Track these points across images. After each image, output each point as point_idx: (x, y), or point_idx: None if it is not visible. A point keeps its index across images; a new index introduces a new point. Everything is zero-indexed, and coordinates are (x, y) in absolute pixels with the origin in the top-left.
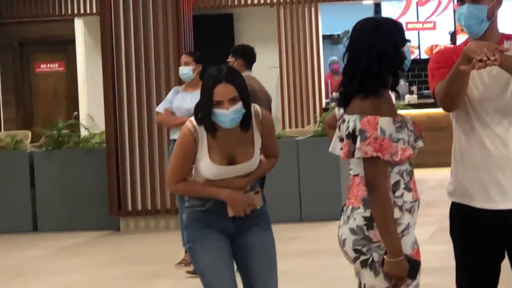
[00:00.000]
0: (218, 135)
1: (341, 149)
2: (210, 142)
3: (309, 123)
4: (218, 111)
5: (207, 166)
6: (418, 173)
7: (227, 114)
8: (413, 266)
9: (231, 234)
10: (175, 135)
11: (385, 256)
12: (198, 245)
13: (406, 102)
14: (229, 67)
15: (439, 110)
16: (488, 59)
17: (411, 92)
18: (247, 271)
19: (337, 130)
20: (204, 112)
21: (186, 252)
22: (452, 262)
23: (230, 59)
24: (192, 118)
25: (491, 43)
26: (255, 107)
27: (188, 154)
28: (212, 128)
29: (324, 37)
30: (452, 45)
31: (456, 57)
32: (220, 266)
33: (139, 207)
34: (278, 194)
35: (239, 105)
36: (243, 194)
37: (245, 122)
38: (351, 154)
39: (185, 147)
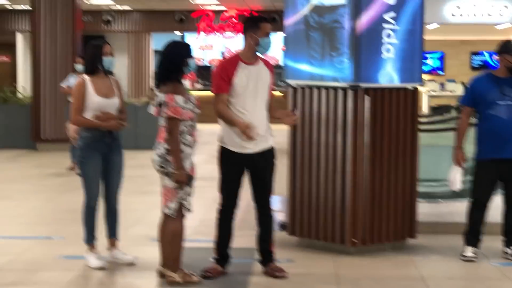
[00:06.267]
0: (95, 81)
1: (154, 111)
2: (92, 84)
3: (142, 96)
4: (105, 58)
5: (94, 97)
6: (200, 125)
7: (111, 59)
8: (189, 178)
9: (105, 153)
10: (69, 98)
11: (174, 171)
12: (86, 160)
13: (197, 87)
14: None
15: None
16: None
17: (198, 83)
18: (107, 176)
19: (153, 100)
20: (96, 59)
21: (72, 162)
22: (217, 175)
23: (79, 58)
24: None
25: (249, 128)
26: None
27: (81, 92)
28: (96, 70)
29: (155, 51)
30: (223, 60)
31: (230, 67)
32: (96, 175)
33: (48, 137)
34: (126, 133)
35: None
36: (116, 121)
37: (109, 71)
38: (159, 114)
39: (79, 87)
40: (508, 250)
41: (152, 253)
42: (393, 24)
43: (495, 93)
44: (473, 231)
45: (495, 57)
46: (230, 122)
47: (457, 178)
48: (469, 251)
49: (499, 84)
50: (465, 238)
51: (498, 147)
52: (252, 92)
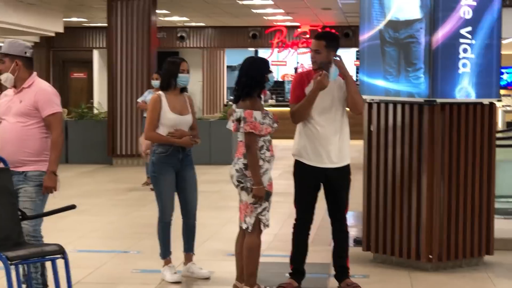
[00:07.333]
0: (170, 98)
1: (233, 126)
2: (167, 100)
3: (216, 112)
4: (181, 75)
5: (169, 114)
6: (274, 141)
7: (187, 76)
8: (267, 193)
9: (177, 169)
10: (145, 114)
11: (253, 186)
12: (160, 176)
13: (269, 103)
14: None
15: (285, 109)
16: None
17: (272, 98)
18: (183, 192)
19: (231, 116)
20: (172, 76)
21: (148, 177)
22: (291, 190)
23: (155, 74)
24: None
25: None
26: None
27: (156, 107)
28: (173, 86)
29: (228, 66)
30: (301, 72)
31: (306, 79)
32: (170, 190)
33: (124, 152)
34: (200, 148)
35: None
36: (189, 138)
37: (184, 88)
38: (238, 129)
39: (154, 103)
40: None
41: (228, 268)
42: (469, 38)
43: None
44: None
45: None
46: (308, 103)
47: None
48: None
49: None
50: None
51: None
52: (322, 105)
